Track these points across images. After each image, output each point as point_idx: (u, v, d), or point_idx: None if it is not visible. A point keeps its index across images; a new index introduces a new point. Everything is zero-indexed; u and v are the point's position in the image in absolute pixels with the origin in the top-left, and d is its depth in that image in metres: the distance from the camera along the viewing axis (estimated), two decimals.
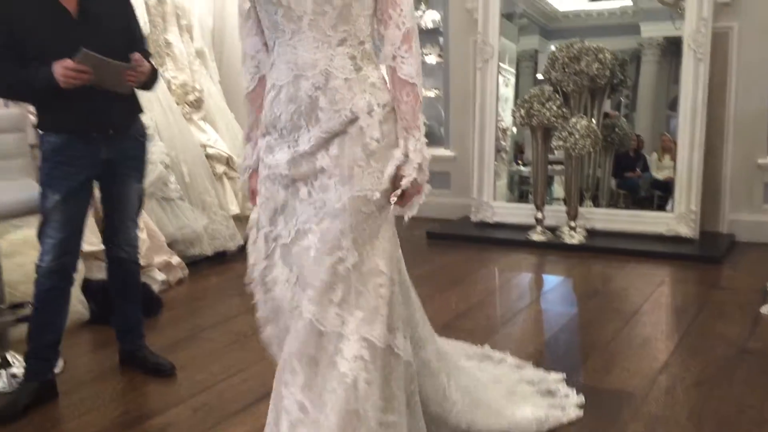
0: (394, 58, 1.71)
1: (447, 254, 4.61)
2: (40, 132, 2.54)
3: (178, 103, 4.47)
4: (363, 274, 1.67)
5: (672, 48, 4.97)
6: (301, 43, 1.66)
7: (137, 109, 2.68)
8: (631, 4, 5.36)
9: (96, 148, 2.52)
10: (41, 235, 2.53)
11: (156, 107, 4.22)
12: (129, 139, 2.64)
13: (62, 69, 2.32)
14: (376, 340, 1.65)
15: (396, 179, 1.71)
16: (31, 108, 3.69)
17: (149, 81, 2.60)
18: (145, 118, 2.79)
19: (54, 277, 2.53)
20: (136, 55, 2.47)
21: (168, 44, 4.46)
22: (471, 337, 3.00)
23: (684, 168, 4.54)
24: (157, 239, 3.98)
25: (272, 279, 1.78)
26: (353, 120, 1.68)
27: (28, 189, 2.84)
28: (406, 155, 1.73)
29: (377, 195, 1.69)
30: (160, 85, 4.10)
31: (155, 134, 4.14)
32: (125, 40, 2.56)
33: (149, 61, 2.59)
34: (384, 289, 1.68)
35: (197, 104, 4.59)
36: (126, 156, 2.63)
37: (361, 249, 1.67)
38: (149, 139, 2.81)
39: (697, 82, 4.47)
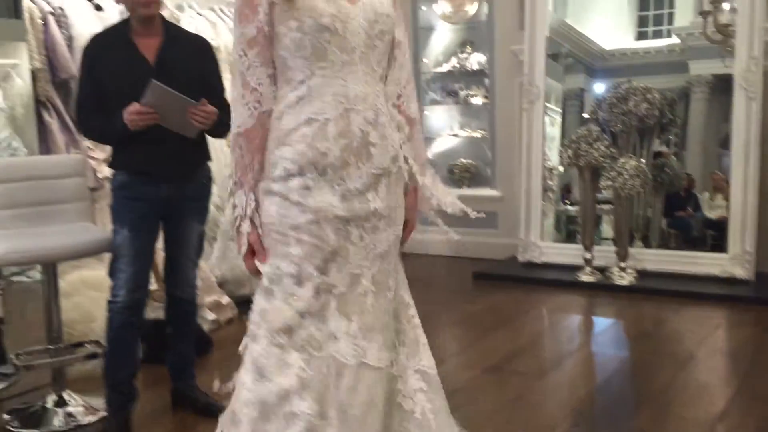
0: (399, 96, 1.72)
1: (494, 295, 4.58)
2: (112, 171, 2.69)
3: (228, 146, 4.58)
4: (399, 311, 1.70)
5: (722, 85, 4.91)
6: (351, 75, 1.59)
7: (205, 155, 2.75)
8: (678, 42, 5.34)
9: (160, 189, 2.61)
10: (113, 270, 2.63)
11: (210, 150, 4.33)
12: (193, 182, 2.71)
13: (128, 112, 2.46)
14: (428, 369, 1.67)
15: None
16: (91, 153, 3.85)
17: (219, 127, 2.61)
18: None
19: (126, 312, 2.61)
20: (204, 100, 2.52)
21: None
22: (520, 380, 2.97)
23: (738, 208, 4.44)
24: (208, 279, 4.05)
25: (327, 334, 1.59)
26: (395, 158, 1.67)
27: (87, 232, 2.93)
28: (431, 192, 1.78)
29: (400, 230, 1.72)
30: None
31: None
32: (201, 89, 2.60)
33: (225, 111, 2.63)
34: (416, 319, 1.73)
35: None
36: (189, 198, 2.70)
37: (396, 286, 1.70)
38: (213, 183, 2.87)
39: (749, 121, 4.40)
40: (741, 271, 4.41)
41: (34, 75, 3.79)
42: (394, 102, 1.71)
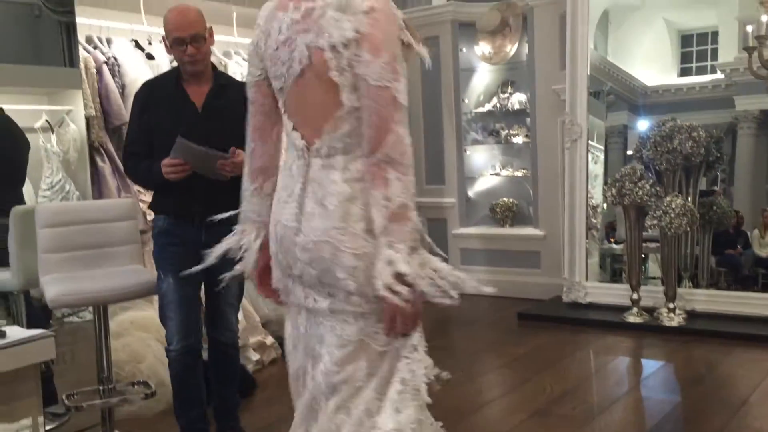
0: None
1: (539, 336, 4.52)
2: (153, 214, 2.77)
3: None
4: None
5: None
6: None
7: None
8: (722, 77, 5.28)
9: (197, 231, 2.59)
10: (163, 317, 2.70)
11: None
12: (230, 225, 2.74)
13: (162, 165, 2.55)
14: None
15: None
16: (141, 197, 3.96)
17: None
18: None
19: (184, 358, 2.67)
20: (236, 150, 2.48)
21: None
22: (567, 425, 2.91)
23: None
24: (252, 319, 4.09)
25: None
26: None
27: (137, 274, 3.00)
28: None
29: None
30: None
31: None
32: (241, 137, 2.63)
33: None
34: None
35: None
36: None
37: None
38: None
39: None
40: None
41: (88, 122, 3.93)
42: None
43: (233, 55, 4.67)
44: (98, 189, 3.91)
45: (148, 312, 3.65)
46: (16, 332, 2.59)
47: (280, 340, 4.26)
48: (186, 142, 2.51)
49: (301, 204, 1.60)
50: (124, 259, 3.25)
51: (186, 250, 2.62)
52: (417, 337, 1.61)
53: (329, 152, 1.59)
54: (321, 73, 1.54)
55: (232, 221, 2.69)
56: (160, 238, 2.70)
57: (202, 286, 2.85)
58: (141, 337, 3.53)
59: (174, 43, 2.55)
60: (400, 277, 1.47)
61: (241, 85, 2.79)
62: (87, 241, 3.22)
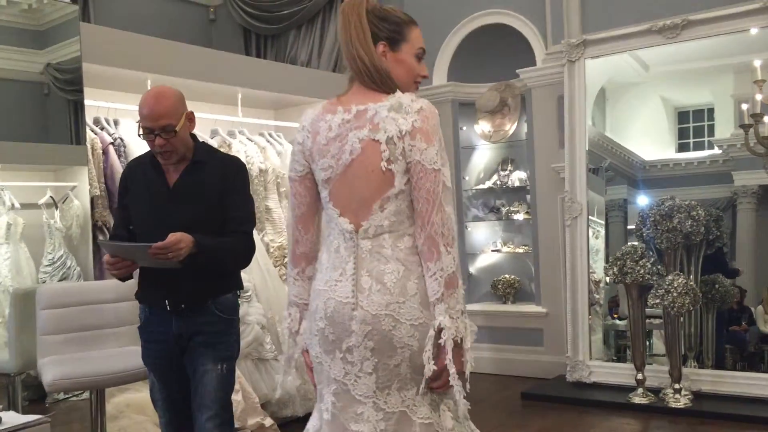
0: None
1: (544, 417, 4.43)
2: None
3: (275, 266, 4.67)
4: None
5: None
6: None
7: (222, 285, 2.51)
8: (720, 152, 5.33)
9: (169, 322, 2.46)
10: (156, 410, 2.62)
11: (255, 269, 4.41)
12: (206, 314, 2.47)
13: (104, 263, 2.44)
14: None
15: None
16: None
17: (218, 255, 2.42)
18: (245, 283, 2.76)
19: None
20: (172, 237, 2.29)
21: (268, 210, 4.74)
22: None
23: None
24: (252, 401, 4.03)
25: None
26: None
27: (135, 356, 2.97)
28: None
29: None
30: (259, 248, 4.30)
31: (254, 296, 4.31)
32: (216, 215, 2.47)
33: (237, 237, 2.47)
34: None
35: None
36: (198, 332, 2.46)
37: None
38: (234, 316, 2.58)
39: None
40: None
41: (93, 201, 3.97)
42: None
43: (237, 134, 4.75)
44: (100, 268, 3.92)
45: (146, 394, 3.59)
46: (11, 418, 2.56)
47: (279, 422, 4.19)
48: (107, 242, 2.45)
49: (357, 281, 1.77)
50: (123, 340, 3.25)
51: (164, 346, 2.49)
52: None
53: (376, 232, 1.79)
54: (372, 162, 1.78)
55: (209, 310, 2.49)
56: (141, 333, 2.57)
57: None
58: (137, 421, 3.47)
59: (144, 130, 2.42)
60: (456, 346, 1.72)
61: (223, 160, 2.61)
62: (87, 322, 3.22)
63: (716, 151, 5.37)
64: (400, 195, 1.78)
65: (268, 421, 4.06)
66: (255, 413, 4.00)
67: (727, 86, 5.35)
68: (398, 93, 1.82)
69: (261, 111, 5.28)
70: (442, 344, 1.71)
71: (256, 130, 5.02)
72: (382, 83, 1.83)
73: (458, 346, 1.72)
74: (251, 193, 2.69)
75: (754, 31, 4.60)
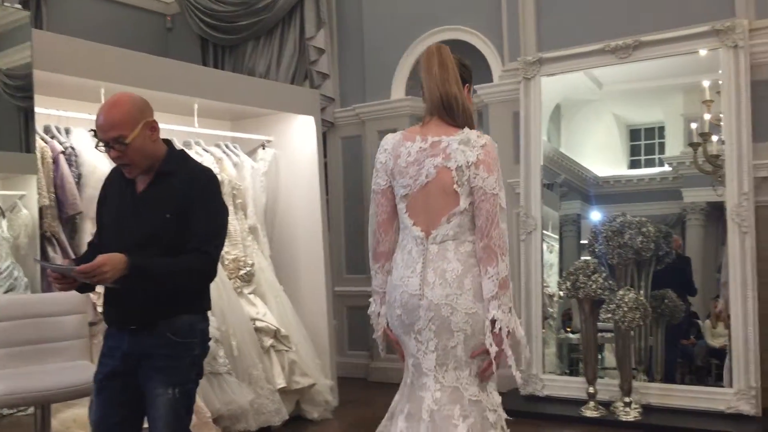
0: None
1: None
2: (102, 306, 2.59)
3: (230, 278, 4.62)
4: None
5: (716, 213, 4.97)
6: None
7: (175, 306, 2.39)
8: (670, 170, 5.46)
9: (122, 340, 2.39)
10: None
11: None
12: (156, 336, 2.37)
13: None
14: None
15: None
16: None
17: (158, 282, 2.33)
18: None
19: None
20: (97, 260, 2.21)
21: None
22: None
23: (740, 343, 4.41)
24: (203, 415, 3.96)
25: None
26: None
27: (83, 371, 2.92)
28: None
29: None
30: None
31: None
32: (177, 228, 2.37)
33: (195, 255, 2.36)
34: None
35: (248, 278, 4.73)
36: (149, 354, 2.36)
37: None
38: (191, 339, 2.45)
39: (744, 255, 4.45)
40: (747, 407, 4.32)
41: (41, 211, 3.87)
42: None
43: (193, 145, 4.70)
44: (47, 280, 3.82)
45: None
46: None
47: None
48: (39, 261, 2.43)
49: (424, 277, 2.22)
50: (71, 354, 3.17)
51: (113, 363, 2.40)
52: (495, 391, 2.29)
53: (443, 239, 2.23)
54: (445, 185, 2.22)
55: (159, 330, 2.37)
56: (104, 341, 2.49)
57: None
58: None
59: (99, 141, 2.37)
60: (507, 333, 2.15)
61: (191, 171, 2.50)
62: (33, 336, 3.14)
63: (666, 168, 5.49)
64: (464, 212, 2.22)
65: None
66: (206, 428, 3.94)
67: (678, 105, 5.49)
68: (467, 129, 2.24)
69: (217, 122, 5.22)
70: (497, 332, 2.14)
71: (212, 141, 4.97)
72: (464, 121, 2.26)
73: (507, 336, 2.16)
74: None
75: (703, 52, 4.75)
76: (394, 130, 5.77)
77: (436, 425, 2.17)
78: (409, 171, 2.25)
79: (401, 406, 2.30)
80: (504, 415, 2.27)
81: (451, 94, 2.25)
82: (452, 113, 2.25)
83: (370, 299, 2.42)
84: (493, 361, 2.16)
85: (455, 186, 2.20)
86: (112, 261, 2.21)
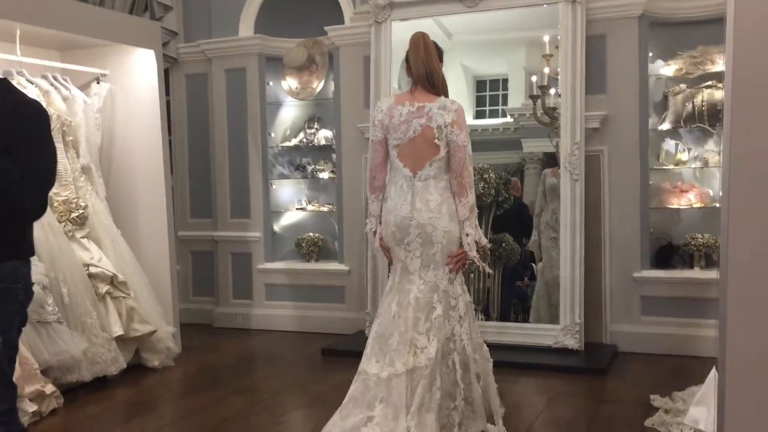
0: None
1: (344, 372, 4.47)
2: None
3: (60, 221, 4.29)
4: None
5: (552, 162, 5.25)
6: None
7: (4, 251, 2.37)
8: (511, 121, 5.68)
9: None
10: None
11: (35, 225, 4.01)
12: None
13: None
14: None
15: None
16: None
17: (11, 201, 2.33)
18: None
19: None
20: None
21: None
22: None
23: (567, 282, 4.73)
24: (30, 367, 3.70)
25: None
26: None
27: None
28: None
29: None
30: None
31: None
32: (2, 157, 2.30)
33: (30, 183, 2.33)
34: None
35: (80, 221, 4.42)
36: None
37: None
38: (8, 284, 2.42)
39: (574, 201, 4.75)
40: (572, 342, 4.67)
41: None
42: None
43: (15, 75, 4.25)
44: None
45: None
46: None
47: (63, 388, 3.89)
48: None
49: (413, 204, 3.02)
50: None
51: None
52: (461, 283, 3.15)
53: (426, 177, 3.03)
54: (428, 139, 3.00)
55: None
56: None
57: None
58: None
59: None
60: (474, 242, 3.05)
61: (18, 104, 2.40)
62: None
63: (509, 119, 5.71)
64: (442, 158, 3.02)
65: (50, 388, 3.77)
66: (34, 380, 3.69)
67: (520, 59, 5.68)
68: (443, 97, 3.05)
69: (45, 51, 4.76)
70: (469, 242, 3.02)
71: (38, 71, 4.53)
72: (442, 89, 3.07)
73: (476, 244, 3.05)
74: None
75: (545, 6, 4.92)
76: (242, 70, 5.75)
77: (420, 307, 3.00)
78: (401, 128, 3.02)
79: (390, 296, 3.08)
80: (468, 299, 3.14)
81: (434, 70, 3.04)
82: (434, 84, 3.04)
83: (367, 220, 3.24)
84: (461, 261, 3.05)
85: (436, 140, 2.98)
86: None
